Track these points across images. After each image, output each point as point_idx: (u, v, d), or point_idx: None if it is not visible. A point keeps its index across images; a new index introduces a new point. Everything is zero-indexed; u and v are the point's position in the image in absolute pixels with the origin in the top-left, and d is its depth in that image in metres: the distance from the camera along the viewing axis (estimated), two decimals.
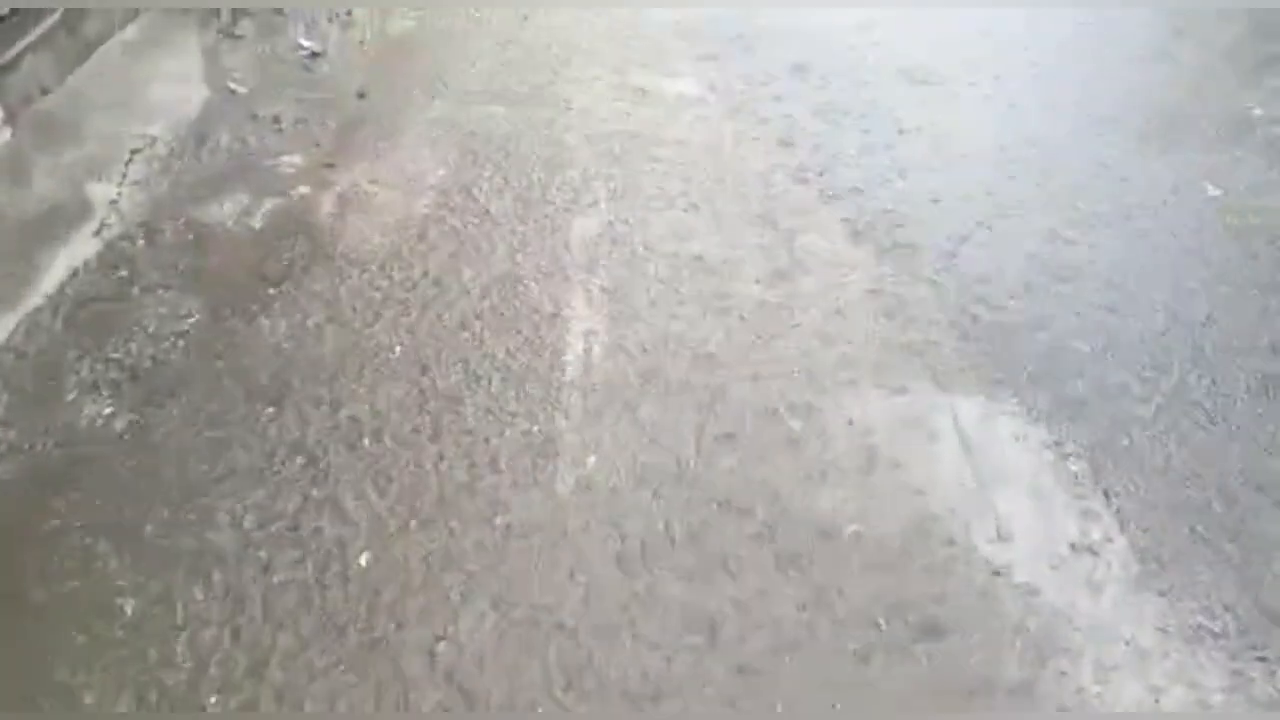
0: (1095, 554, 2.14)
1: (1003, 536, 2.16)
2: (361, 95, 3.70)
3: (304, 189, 3.17)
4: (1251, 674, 1.92)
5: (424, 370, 2.51)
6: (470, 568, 2.05)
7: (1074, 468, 2.34)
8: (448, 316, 2.69)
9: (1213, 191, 3.34)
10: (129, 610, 1.93)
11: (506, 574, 2.04)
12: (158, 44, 3.90)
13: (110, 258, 2.81)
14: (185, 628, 1.91)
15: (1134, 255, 3.04)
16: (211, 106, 3.56)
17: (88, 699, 1.79)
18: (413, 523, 2.13)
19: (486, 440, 2.33)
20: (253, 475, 2.22)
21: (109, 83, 3.60)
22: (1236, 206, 3.26)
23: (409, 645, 1.90)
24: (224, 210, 3.04)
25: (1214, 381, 2.58)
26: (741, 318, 2.74)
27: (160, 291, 2.71)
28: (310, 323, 2.64)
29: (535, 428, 2.37)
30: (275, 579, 2.01)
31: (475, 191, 3.20)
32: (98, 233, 2.90)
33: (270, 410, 2.38)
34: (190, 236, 2.92)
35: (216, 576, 2.00)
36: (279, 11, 4.22)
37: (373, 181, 3.22)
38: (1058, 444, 2.39)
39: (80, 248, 2.84)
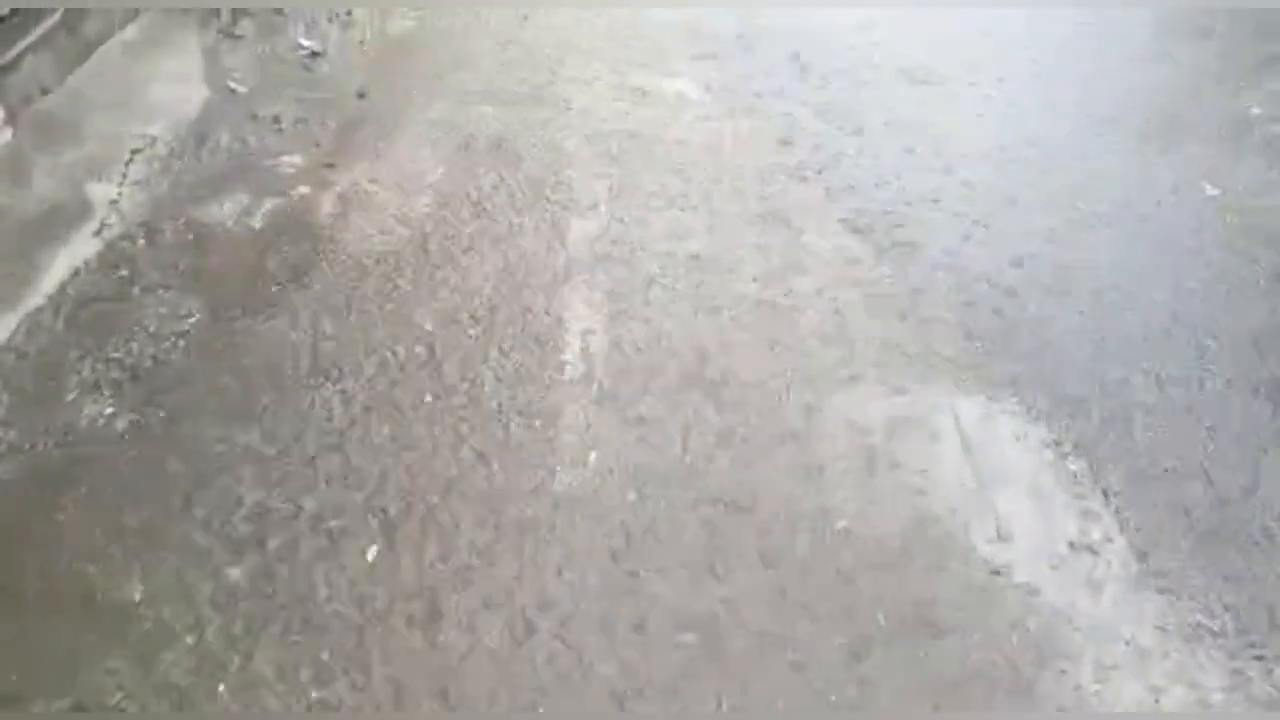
0: (1095, 553, 2.14)
1: (1002, 536, 2.17)
2: (361, 95, 3.70)
3: (304, 189, 3.17)
4: (1250, 673, 1.92)
5: (424, 369, 2.52)
6: (471, 565, 2.06)
7: (1073, 467, 2.34)
8: (447, 316, 2.69)
9: (1212, 191, 3.34)
10: (129, 610, 1.94)
11: (502, 572, 2.05)
12: (158, 44, 3.90)
13: (111, 258, 2.82)
14: (185, 627, 1.91)
15: (1134, 255, 3.04)
16: (211, 106, 3.56)
17: (88, 698, 1.80)
18: (415, 516, 2.14)
19: (486, 440, 2.33)
20: (253, 475, 2.22)
21: (109, 83, 3.60)
22: (1236, 206, 3.26)
23: (409, 643, 1.91)
24: (224, 210, 3.04)
25: (1214, 381, 2.58)
26: (741, 317, 2.74)
27: (161, 291, 2.71)
28: (310, 322, 2.64)
29: (536, 423, 2.37)
30: (277, 578, 2.01)
31: (474, 191, 3.20)
32: (98, 233, 2.90)
33: (271, 410, 2.38)
34: (190, 236, 2.93)
35: (217, 576, 2.01)
36: (279, 11, 4.22)
37: (373, 181, 3.23)
38: (1057, 443, 2.40)
39: (81, 248, 2.84)
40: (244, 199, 3.10)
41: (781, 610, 2.01)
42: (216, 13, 4.12)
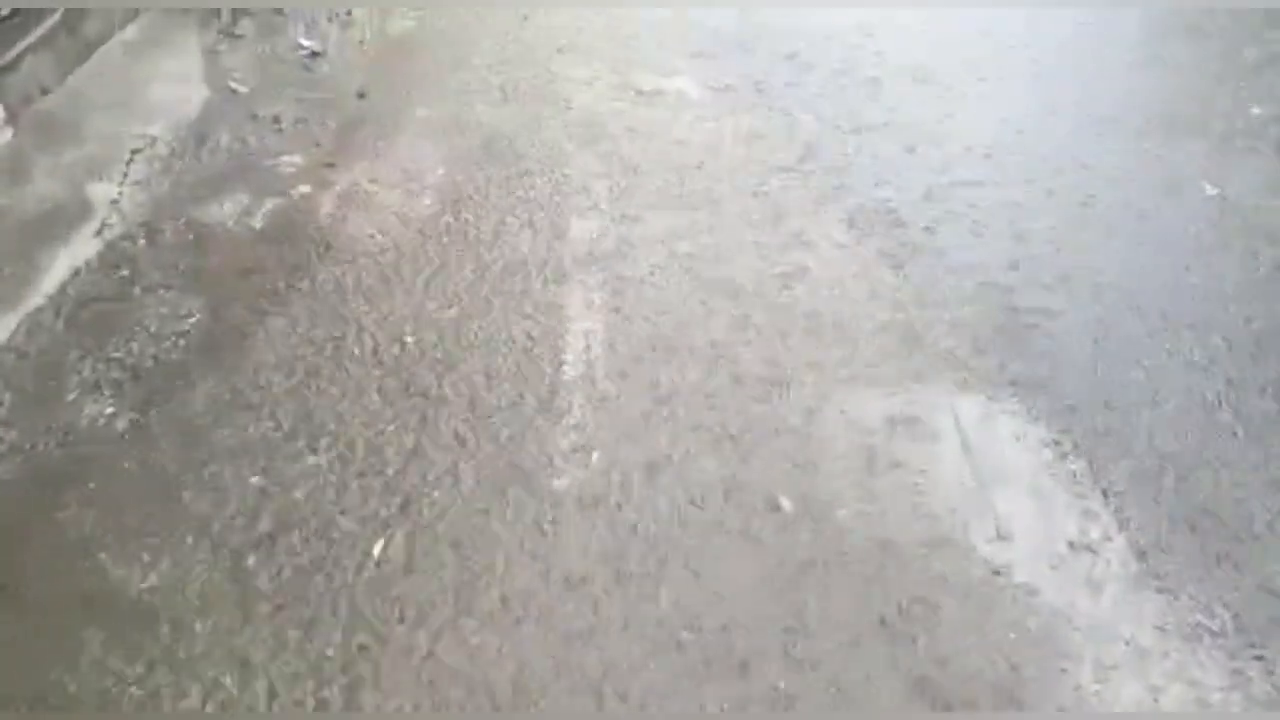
0: (1094, 553, 2.14)
1: (1002, 536, 2.17)
2: (361, 95, 3.71)
3: (304, 188, 3.17)
4: (1250, 672, 1.92)
5: (424, 369, 2.52)
6: (474, 565, 2.06)
7: (1073, 466, 2.34)
8: (447, 316, 2.69)
9: (1211, 191, 3.34)
10: (130, 610, 1.94)
11: (502, 573, 2.05)
12: (158, 44, 3.91)
13: (111, 258, 2.82)
14: (186, 626, 1.92)
15: (1133, 254, 3.05)
16: (212, 106, 3.56)
17: (88, 698, 1.80)
18: (419, 512, 2.14)
19: (487, 438, 2.34)
20: (254, 475, 2.22)
21: (109, 83, 3.61)
22: (1235, 206, 3.26)
23: (407, 638, 1.91)
24: (224, 210, 3.04)
25: (1214, 380, 2.58)
26: (740, 316, 2.74)
27: (161, 291, 2.72)
28: (311, 322, 2.64)
29: (537, 420, 2.38)
30: (277, 576, 2.01)
31: (474, 190, 3.20)
32: (99, 233, 2.90)
33: (271, 410, 2.38)
34: (191, 236, 2.93)
35: (219, 575, 2.01)
36: (279, 11, 4.22)
37: (373, 181, 3.23)
38: (1057, 443, 2.40)
39: (81, 248, 2.84)
40: (244, 199, 3.10)
41: (779, 608, 2.01)
42: (216, 13, 4.12)
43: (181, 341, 2.56)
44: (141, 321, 2.61)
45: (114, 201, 3.02)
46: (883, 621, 1.99)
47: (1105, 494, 2.27)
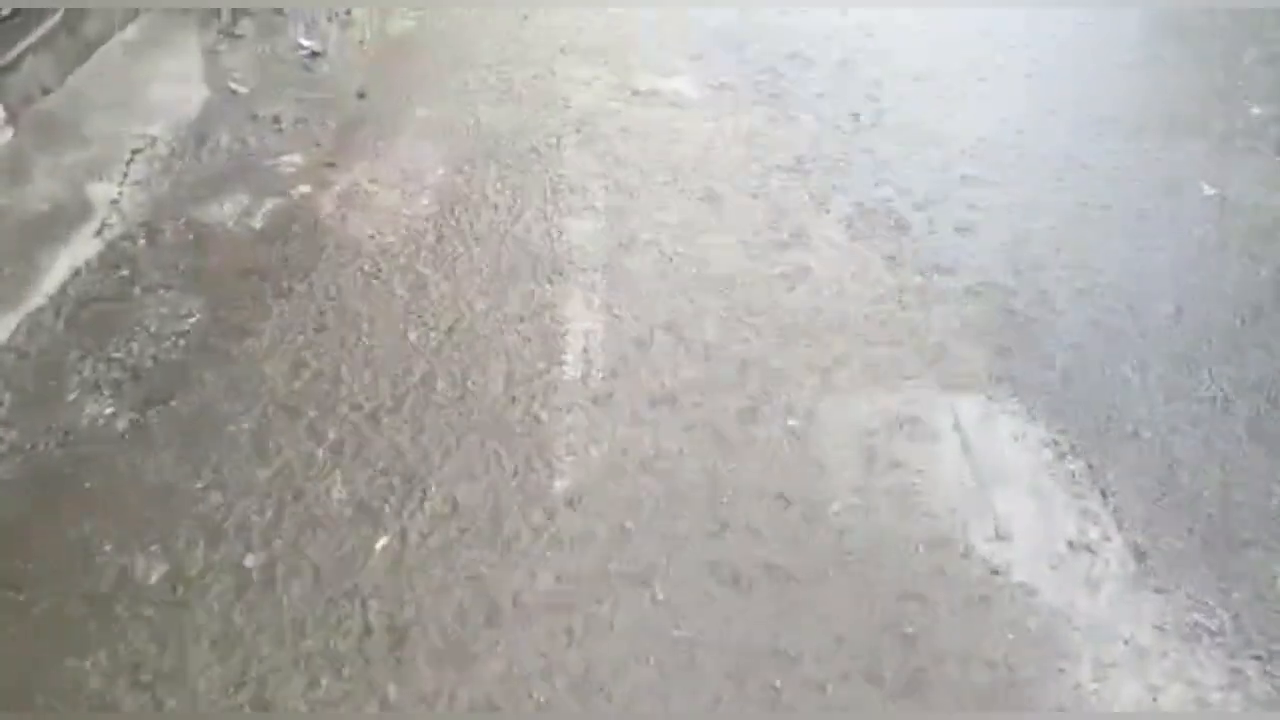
0: (1093, 553, 2.15)
1: (1001, 535, 2.17)
2: (361, 95, 3.71)
3: (304, 188, 3.17)
4: (1249, 672, 1.93)
5: (424, 368, 2.52)
6: (481, 569, 2.06)
7: (1072, 466, 2.34)
8: (447, 316, 2.69)
9: (1211, 191, 3.34)
10: (131, 609, 1.94)
11: (500, 571, 2.06)
12: (158, 44, 3.91)
13: (111, 258, 2.82)
14: (185, 626, 1.92)
15: (1132, 254, 3.05)
16: (212, 106, 3.56)
17: (89, 698, 1.80)
18: (421, 508, 2.14)
19: (486, 438, 2.34)
20: (254, 475, 2.22)
21: (109, 83, 3.61)
22: (1235, 206, 3.26)
23: (406, 635, 1.92)
24: (224, 210, 3.05)
25: (1212, 381, 2.59)
26: (741, 315, 2.74)
27: (161, 291, 2.72)
28: (311, 322, 2.65)
29: (537, 418, 2.38)
30: (278, 576, 2.01)
31: (474, 190, 3.20)
32: (99, 233, 2.90)
33: (271, 410, 2.38)
34: (191, 236, 2.93)
35: (220, 574, 2.01)
36: (279, 11, 4.22)
37: (373, 181, 3.23)
38: (1056, 443, 2.40)
39: (81, 248, 2.84)
40: (244, 199, 3.10)
41: (778, 608, 2.01)
42: (216, 13, 4.12)
43: (181, 341, 2.57)
44: (141, 321, 2.61)
45: (114, 201, 3.02)
46: (881, 620, 1.99)
47: (1104, 494, 2.28)
